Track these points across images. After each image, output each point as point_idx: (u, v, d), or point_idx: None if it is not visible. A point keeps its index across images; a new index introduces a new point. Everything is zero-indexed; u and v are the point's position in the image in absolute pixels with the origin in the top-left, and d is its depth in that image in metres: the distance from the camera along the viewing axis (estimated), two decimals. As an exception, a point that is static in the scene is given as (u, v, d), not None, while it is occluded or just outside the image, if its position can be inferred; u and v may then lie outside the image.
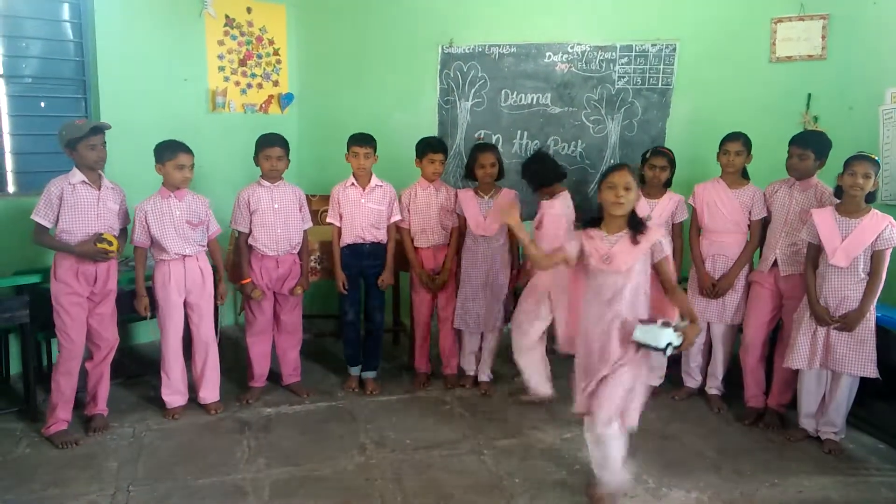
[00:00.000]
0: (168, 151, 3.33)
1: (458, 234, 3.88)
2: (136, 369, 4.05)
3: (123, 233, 3.42)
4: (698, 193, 3.69)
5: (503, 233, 3.79)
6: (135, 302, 3.44)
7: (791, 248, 3.40)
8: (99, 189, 3.25)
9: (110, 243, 3.20)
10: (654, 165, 3.70)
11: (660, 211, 3.70)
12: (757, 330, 3.54)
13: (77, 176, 3.20)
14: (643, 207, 3.70)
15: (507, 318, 3.87)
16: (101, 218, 3.24)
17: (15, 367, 3.92)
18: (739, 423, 3.55)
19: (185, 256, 3.42)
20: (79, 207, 3.19)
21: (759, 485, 2.98)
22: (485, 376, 3.98)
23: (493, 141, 4.64)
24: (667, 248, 2.69)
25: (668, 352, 2.55)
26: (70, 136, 3.14)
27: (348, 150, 3.73)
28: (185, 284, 3.45)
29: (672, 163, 3.73)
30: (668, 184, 3.76)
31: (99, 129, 3.21)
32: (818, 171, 3.41)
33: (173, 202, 3.39)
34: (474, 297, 3.81)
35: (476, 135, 4.58)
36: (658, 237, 2.68)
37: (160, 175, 3.37)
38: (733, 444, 3.34)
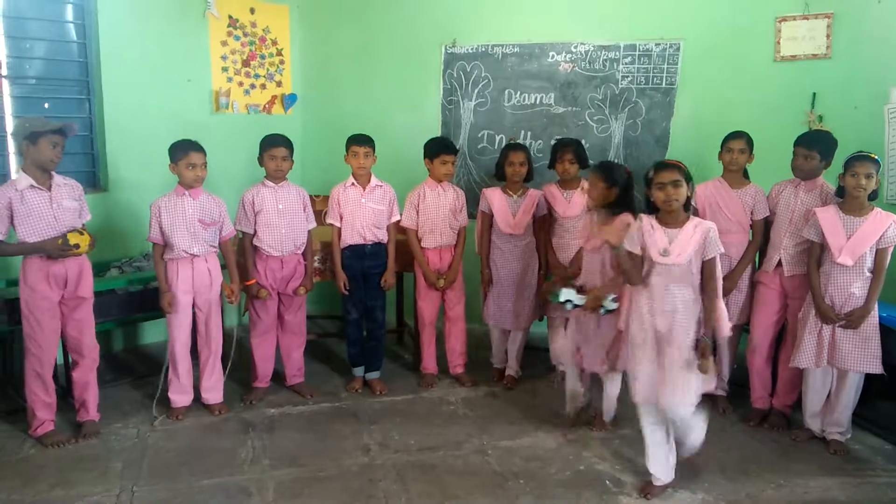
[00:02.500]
0: (179, 151, 3.34)
1: (484, 232, 3.89)
2: (144, 370, 4.06)
3: (84, 229, 3.28)
4: (700, 194, 3.65)
5: (529, 232, 3.83)
6: (160, 300, 3.39)
7: (796, 248, 3.38)
8: (49, 189, 3.09)
9: (79, 236, 3.07)
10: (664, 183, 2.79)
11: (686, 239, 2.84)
12: (765, 331, 3.52)
13: (23, 181, 3.02)
14: (661, 239, 2.80)
15: (540, 317, 3.94)
16: (60, 220, 3.10)
17: (19, 367, 3.91)
18: (745, 423, 3.54)
19: (193, 256, 3.42)
20: (33, 214, 3.03)
21: (765, 486, 2.97)
22: (512, 371, 4.01)
23: (497, 141, 4.64)
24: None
25: (568, 307, 3.17)
26: (34, 128, 2.98)
27: (347, 150, 3.73)
28: (193, 284, 3.44)
29: (688, 178, 2.79)
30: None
31: (65, 132, 3.07)
32: (824, 171, 3.39)
33: (187, 200, 3.40)
34: (506, 294, 3.84)
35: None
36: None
37: (174, 174, 3.38)
38: (739, 444, 3.33)
